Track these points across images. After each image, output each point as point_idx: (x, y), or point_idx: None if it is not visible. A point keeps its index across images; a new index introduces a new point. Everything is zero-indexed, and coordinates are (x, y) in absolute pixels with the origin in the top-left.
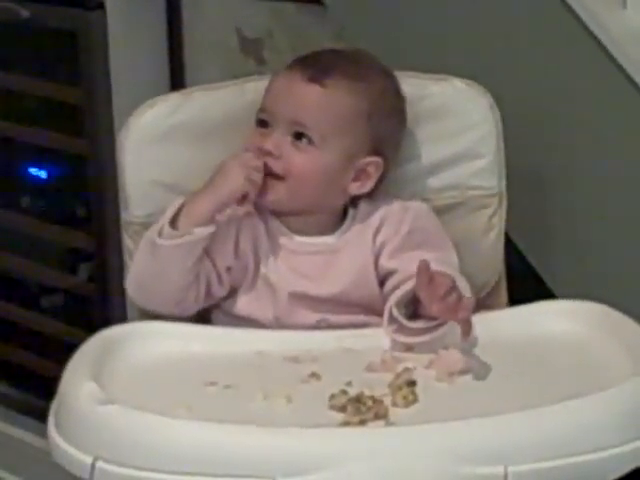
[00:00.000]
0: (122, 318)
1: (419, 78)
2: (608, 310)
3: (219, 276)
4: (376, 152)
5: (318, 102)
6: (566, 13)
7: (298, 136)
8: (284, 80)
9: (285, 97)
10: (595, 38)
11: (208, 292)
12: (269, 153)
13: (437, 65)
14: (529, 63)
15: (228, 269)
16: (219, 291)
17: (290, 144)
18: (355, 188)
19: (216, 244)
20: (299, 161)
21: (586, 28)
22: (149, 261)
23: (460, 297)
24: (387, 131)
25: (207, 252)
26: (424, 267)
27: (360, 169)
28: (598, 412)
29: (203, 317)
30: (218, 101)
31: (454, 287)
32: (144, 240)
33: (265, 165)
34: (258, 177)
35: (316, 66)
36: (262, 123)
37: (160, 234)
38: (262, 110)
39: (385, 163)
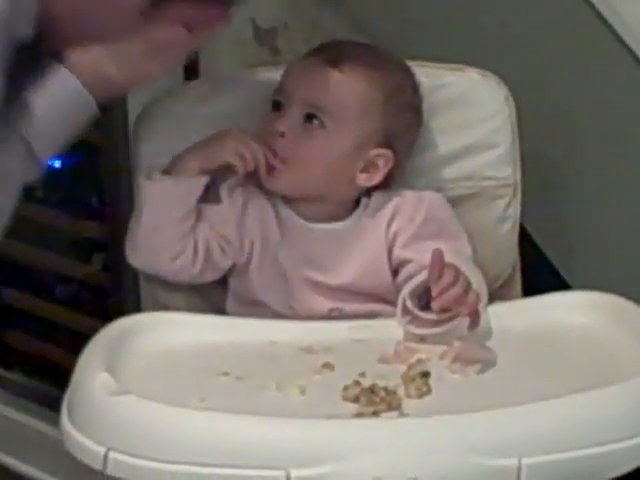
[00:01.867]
0: (136, 308)
1: (434, 68)
2: (622, 301)
3: (220, 245)
4: (387, 145)
5: (334, 85)
6: (579, 0)
7: (310, 118)
8: (303, 63)
9: (302, 78)
10: (609, 26)
11: (209, 258)
12: (281, 134)
13: (452, 55)
14: (544, 53)
15: (228, 241)
16: (222, 260)
17: (301, 127)
18: (363, 179)
19: (216, 212)
20: (308, 145)
21: (600, 16)
22: (140, 210)
23: (465, 291)
24: (400, 125)
25: (206, 217)
26: (437, 258)
27: (369, 160)
28: (612, 405)
29: (217, 307)
30: (232, 90)
31: (457, 280)
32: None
33: (273, 149)
34: (249, 155)
35: (336, 52)
36: (276, 105)
37: (149, 177)
38: (278, 91)
39: (396, 157)
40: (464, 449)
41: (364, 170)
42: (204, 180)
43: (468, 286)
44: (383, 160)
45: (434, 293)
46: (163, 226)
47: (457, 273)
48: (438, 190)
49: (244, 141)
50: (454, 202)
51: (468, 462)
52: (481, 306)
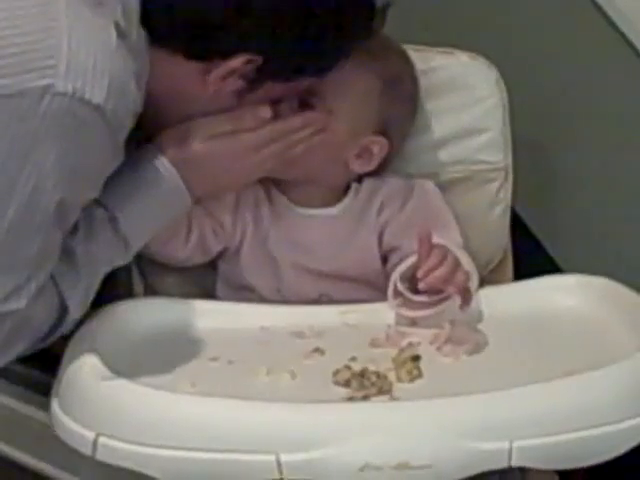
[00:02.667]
0: (128, 293)
1: (424, 51)
2: (614, 285)
3: (214, 229)
4: (382, 132)
5: (332, 72)
6: None
7: (304, 105)
8: None
9: None
10: (602, 10)
11: (201, 242)
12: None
13: (443, 39)
14: (535, 36)
15: (222, 225)
16: (214, 245)
17: (296, 112)
18: (357, 166)
19: (212, 198)
20: None
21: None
22: None
23: (453, 269)
24: (397, 114)
25: (201, 201)
26: (425, 238)
27: (364, 147)
28: (603, 387)
29: (209, 292)
30: None
31: (444, 259)
32: None
33: None
34: None
35: None
36: None
37: None
38: None
39: (390, 145)
40: (455, 432)
41: (359, 156)
42: None
43: (456, 265)
44: (378, 147)
45: (420, 273)
46: None
47: (445, 252)
48: (429, 174)
49: None
50: (445, 186)
51: (459, 445)
52: (471, 285)
